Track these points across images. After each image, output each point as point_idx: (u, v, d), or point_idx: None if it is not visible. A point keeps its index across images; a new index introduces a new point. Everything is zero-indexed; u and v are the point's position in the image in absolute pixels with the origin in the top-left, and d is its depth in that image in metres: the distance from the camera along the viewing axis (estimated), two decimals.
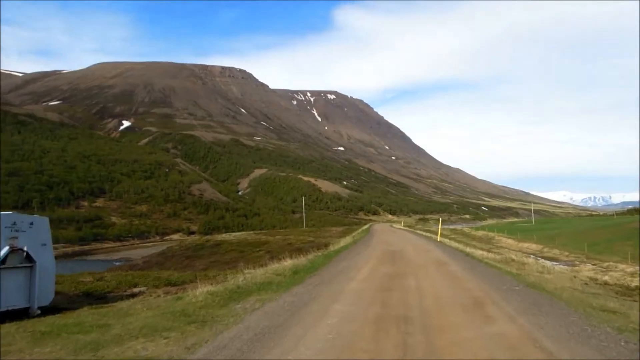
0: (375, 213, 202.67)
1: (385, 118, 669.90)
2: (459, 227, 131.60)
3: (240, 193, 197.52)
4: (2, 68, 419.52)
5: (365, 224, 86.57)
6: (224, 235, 58.98)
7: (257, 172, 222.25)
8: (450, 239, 42.71)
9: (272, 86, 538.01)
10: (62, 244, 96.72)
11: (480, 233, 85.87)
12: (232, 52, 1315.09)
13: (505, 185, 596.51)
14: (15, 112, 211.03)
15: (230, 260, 31.60)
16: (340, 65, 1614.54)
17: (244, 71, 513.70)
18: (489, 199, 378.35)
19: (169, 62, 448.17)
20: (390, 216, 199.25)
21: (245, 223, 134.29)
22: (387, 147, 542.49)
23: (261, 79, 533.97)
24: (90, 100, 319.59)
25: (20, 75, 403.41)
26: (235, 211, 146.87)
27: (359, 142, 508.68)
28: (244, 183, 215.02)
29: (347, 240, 32.93)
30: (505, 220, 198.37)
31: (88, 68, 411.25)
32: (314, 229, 64.12)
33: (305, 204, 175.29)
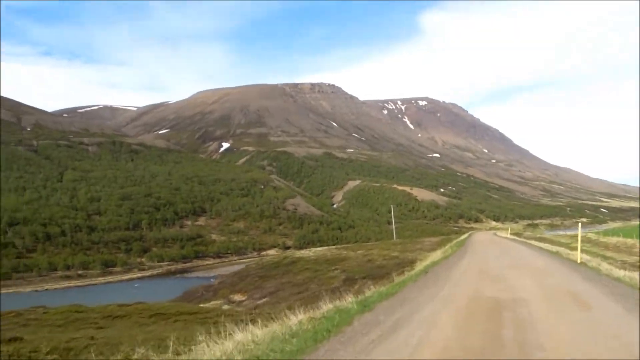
0: (477, 220, 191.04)
1: (482, 120, 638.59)
2: (575, 232, 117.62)
3: (334, 206, 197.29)
4: (120, 104, 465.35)
5: (465, 233, 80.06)
6: (303, 251, 57.31)
7: (351, 184, 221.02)
8: (592, 254, 21.73)
9: (361, 98, 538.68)
10: (166, 262, 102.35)
11: (614, 240, 73.62)
12: (321, 68, 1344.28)
13: (626, 184, 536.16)
14: (129, 142, 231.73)
15: (302, 281, 29.47)
16: (430, 70, 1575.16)
17: (333, 85, 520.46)
18: (608, 200, 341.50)
19: (263, 84, 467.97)
20: (494, 223, 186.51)
21: (340, 236, 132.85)
22: (485, 150, 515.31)
23: (350, 92, 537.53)
24: (193, 126, 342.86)
25: (135, 109, 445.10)
26: (329, 224, 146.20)
27: (454, 147, 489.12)
28: (338, 196, 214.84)
29: (434, 257, 26.96)
30: (633, 223, 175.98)
31: (191, 97, 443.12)
32: (405, 241, 59.96)
33: (400, 214, 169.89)
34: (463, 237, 52.03)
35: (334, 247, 58.13)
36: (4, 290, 76.90)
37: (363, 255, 39.74)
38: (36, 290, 77.46)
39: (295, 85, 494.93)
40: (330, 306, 10.34)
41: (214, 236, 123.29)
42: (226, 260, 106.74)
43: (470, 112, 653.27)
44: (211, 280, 61.54)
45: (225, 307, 23.77)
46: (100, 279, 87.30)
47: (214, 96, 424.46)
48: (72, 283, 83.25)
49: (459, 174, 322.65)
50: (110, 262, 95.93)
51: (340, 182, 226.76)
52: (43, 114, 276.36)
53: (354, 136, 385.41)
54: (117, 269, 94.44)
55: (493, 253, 24.86)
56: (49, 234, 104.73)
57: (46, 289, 78.70)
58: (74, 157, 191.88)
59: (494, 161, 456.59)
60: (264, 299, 22.98)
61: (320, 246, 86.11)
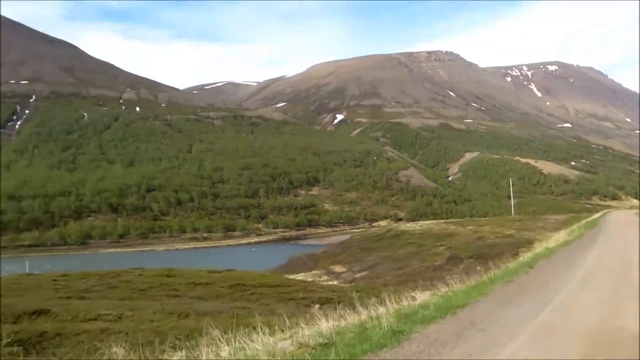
0: (614, 197, 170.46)
1: (625, 85, 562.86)
2: None
3: (450, 179, 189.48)
4: (242, 80, 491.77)
5: (598, 211, 70.05)
6: (408, 225, 55.00)
7: (468, 156, 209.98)
8: None
9: (482, 65, 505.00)
10: (281, 229, 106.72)
11: None
12: (438, 35, 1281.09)
13: None
14: (249, 116, 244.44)
15: (403, 256, 27.87)
16: (560, 30, 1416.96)
17: (451, 53, 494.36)
18: None
19: (377, 55, 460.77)
20: (635, 201, 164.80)
21: (455, 210, 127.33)
22: (628, 120, 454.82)
23: (470, 59, 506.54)
24: (308, 99, 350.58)
25: (255, 84, 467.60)
26: (443, 197, 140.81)
27: (590, 116, 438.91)
28: (453, 168, 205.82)
29: (556, 239, 21.35)
30: None
31: (306, 70, 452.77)
32: (525, 218, 54.48)
33: (523, 188, 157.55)
34: (595, 216, 44.13)
35: (442, 221, 54.90)
36: (142, 248, 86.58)
37: (473, 232, 36.49)
38: (168, 250, 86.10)
39: (411, 54, 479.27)
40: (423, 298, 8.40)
41: (326, 205, 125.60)
42: (338, 229, 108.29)
43: (610, 76, 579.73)
44: (322, 248, 62.57)
45: (324, 278, 23.33)
46: (222, 242, 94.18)
47: (329, 69, 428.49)
48: (198, 244, 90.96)
49: (594, 145, 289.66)
50: (231, 226, 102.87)
51: (456, 154, 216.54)
52: (176, 91, 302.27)
53: (472, 106, 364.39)
54: (237, 233, 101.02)
55: (636, 240, 17.74)
56: (179, 199, 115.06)
57: (176, 249, 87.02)
58: (202, 130, 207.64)
59: (638, 132, 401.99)
60: (363, 273, 22.09)
61: (434, 219, 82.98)
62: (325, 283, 20.98)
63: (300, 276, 24.86)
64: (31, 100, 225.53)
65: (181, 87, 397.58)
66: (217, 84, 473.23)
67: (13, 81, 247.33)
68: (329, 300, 10.82)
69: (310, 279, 22.96)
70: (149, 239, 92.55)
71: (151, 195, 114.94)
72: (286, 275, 26.49)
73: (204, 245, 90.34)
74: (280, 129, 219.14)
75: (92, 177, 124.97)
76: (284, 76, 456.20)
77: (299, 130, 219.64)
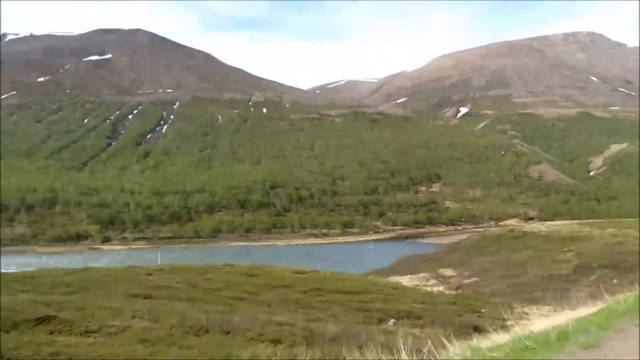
0: None
1: None
2: None
3: (591, 174, 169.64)
4: (362, 77, 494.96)
5: None
6: (533, 225, 49.37)
7: (614, 148, 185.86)
8: None
9: (631, 44, 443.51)
10: (399, 227, 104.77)
11: None
12: (576, 14, 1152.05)
13: None
14: (369, 112, 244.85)
15: (521, 261, 24.45)
16: None
17: (593, 33, 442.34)
18: None
19: (503, 42, 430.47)
20: None
21: (597, 209, 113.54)
22: None
23: (616, 39, 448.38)
24: (430, 92, 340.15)
25: (376, 80, 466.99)
26: (582, 195, 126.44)
27: None
28: (596, 162, 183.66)
29: None
30: None
31: (427, 64, 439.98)
32: None
33: None
34: None
35: (577, 222, 48.25)
36: (265, 242, 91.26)
37: (612, 236, 31.04)
38: (288, 245, 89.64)
39: (544, 38, 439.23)
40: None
41: (447, 203, 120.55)
42: (459, 228, 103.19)
43: None
44: (436, 248, 59.93)
45: (430, 282, 21.72)
46: (339, 238, 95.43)
47: (451, 60, 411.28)
48: (317, 241, 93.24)
49: None
50: (349, 223, 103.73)
51: (600, 146, 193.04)
52: (299, 91, 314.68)
53: (620, 91, 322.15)
54: (355, 230, 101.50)
55: None
56: (300, 196, 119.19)
57: (296, 244, 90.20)
58: (323, 129, 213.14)
59: None
60: (473, 279, 20.05)
61: (571, 219, 74.74)
62: (428, 288, 19.57)
63: (405, 279, 23.61)
64: (175, 107, 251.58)
65: (305, 87, 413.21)
66: (338, 83, 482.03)
67: (161, 90, 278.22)
68: (410, 314, 9.62)
69: (414, 283, 21.64)
70: (272, 234, 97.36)
71: (274, 192, 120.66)
72: (390, 278, 25.41)
73: (322, 242, 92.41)
74: (401, 125, 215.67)
75: (223, 174, 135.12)
76: (405, 71, 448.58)
77: (420, 125, 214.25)
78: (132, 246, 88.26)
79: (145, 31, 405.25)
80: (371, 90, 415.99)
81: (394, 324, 8.75)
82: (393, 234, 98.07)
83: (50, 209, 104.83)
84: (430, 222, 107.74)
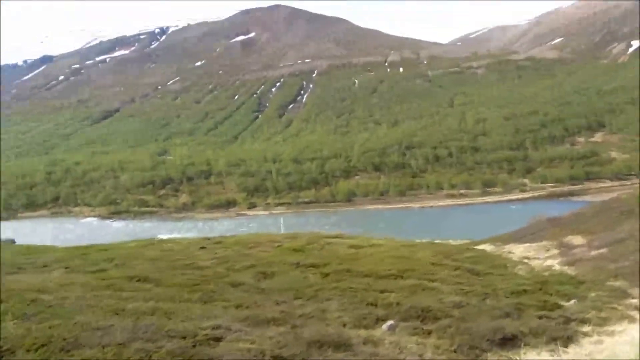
0: None
1: None
2: None
3: None
4: (510, 22, 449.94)
5: None
6: None
7: None
8: None
9: None
10: (550, 184, 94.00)
11: None
12: None
13: None
14: (515, 59, 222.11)
15: None
16: None
17: None
18: None
19: None
20: None
21: None
22: None
23: None
24: (591, 28, 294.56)
25: (525, 23, 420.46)
26: None
27: None
28: None
29: None
30: None
31: None
32: None
33: None
34: None
35: None
36: (399, 205, 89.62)
37: None
38: (423, 207, 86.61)
39: None
40: None
41: (613, 154, 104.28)
42: (627, 183, 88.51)
43: None
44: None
45: (548, 253, 18.06)
46: (479, 199, 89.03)
47: None
48: (454, 202, 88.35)
49: None
50: (490, 182, 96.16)
51: None
52: (437, 46, 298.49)
53: None
54: (497, 189, 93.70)
55: None
56: (437, 155, 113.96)
57: (431, 206, 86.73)
58: (463, 82, 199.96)
59: None
60: (601, 250, 16.08)
61: None
62: (539, 262, 16.33)
63: (520, 248, 20.27)
64: (313, 75, 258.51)
65: (444, 41, 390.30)
66: (482, 31, 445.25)
67: (300, 61, 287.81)
68: (427, 310, 7.32)
69: (528, 253, 18.36)
70: (407, 196, 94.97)
71: (410, 152, 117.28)
72: (508, 246, 22.12)
73: (460, 203, 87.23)
74: (553, 70, 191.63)
75: (359, 139, 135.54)
76: (559, 8, 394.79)
77: (577, 67, 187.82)
78: (274, 211, 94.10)
79: (284, 6, 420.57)
80: (519, 34, 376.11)
81: (390, 327, 6.82)
82: (542, 192, 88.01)
83: (206, 179, 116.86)
84: (590, 177, 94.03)
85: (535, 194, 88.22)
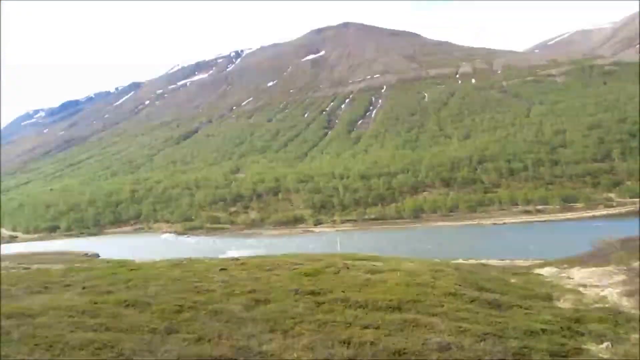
0: None
1: None
2: None
3: None
4: (593, 25, 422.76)
5: None
6: None
7: None
8: None
9: None
10: None
11: None
12: None
13: None
14: (600, 64, 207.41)
15: None
16: None
17: None
18: None
19: None
20: None
21: None
22: None
23: None
24: None
25: (610, 25, 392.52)
26: None
27: None
28: None
29: None
30: None
31: None
32: None
33: None
34: None
35: None
36: (469, 222, 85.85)
37: None
38: (495, 224, 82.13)
39: None
40: None
41: None
42: None
43: None
44: None
45: (608, 280, 16.11)
46: (559, 215, 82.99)
47: None
48: (530, 218, 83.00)
49: None
50: (571, 197, 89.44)
51: None
52: (512, 54, 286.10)
53: None
54: (579, 205, 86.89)
55: None
56: (512, 169, 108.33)
57: (504, 223, 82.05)
58: (541, 91, 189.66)
59: None
60: None
61: None
62: (590, 290, 14.61)
63: (582, 272, 18.34)
64: (382, 90, 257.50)
65: (520, 49, 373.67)
66: (562, 36, 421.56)
67: (369, 77, 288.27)
68: (400, 353, 6.33)
69: (588, 280, 16.54)
70: (477, 213, 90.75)
71: (482, 167, 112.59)
72: (572, 269, 20.14)
73: (536, 219, 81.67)
74: None
75: (428, 153, 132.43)
76: None
77: None
78: (339, 228, 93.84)
79: (353, 23, 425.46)
80: (603, 38, 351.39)
81: None
82: (632, 207, 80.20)
83: (275, 196, 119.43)
84: None
85: (623, 209, 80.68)
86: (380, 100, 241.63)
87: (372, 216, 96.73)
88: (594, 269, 19.45)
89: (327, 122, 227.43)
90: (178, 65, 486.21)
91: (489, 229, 77.67)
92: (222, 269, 16.97)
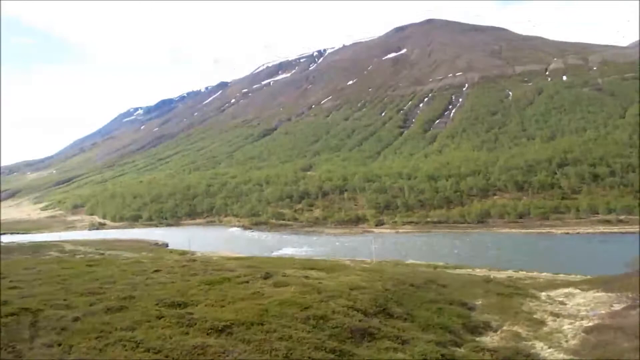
0: None
1: None
2: None
3: None
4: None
5: None
6: None
7: None
8: None
9: None
10: None
11: None
12: None
13: None
14: None
15: None
16: None
17: None
18: None
19: None
20: None
21: None
22: None
23: None
24: None
25: None
26: None
27: None
28: None
29: None
30: None
31: None
32: None
33: None
34: None
35: None
36: (539, 230, 79.84)
37: None
38: (567, 233, 75.47)
39: None
40: None
41: None
42: None
43: None
44: None
45: (603, 312, 13.93)
46: None
47: None
48: (609, 228, 75.21)
49: None
50: None
51: None
52: (612, 49, 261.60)
53: None
54: None
55: None
56: (596, 174, 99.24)
57: (577, 233, 75.14)
58: None
59: None
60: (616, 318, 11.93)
61: None
62: (556, 323, 12.69)
63: (589, 297, 16.02)
64: (464, 89, 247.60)
65: (625, 44, 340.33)
66: None
67: (450, 75, 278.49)
68: None
69: (579, 308, 14.51)
70: (550, 220, 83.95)
71: (563, 170, 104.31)
72: (589, 292, 17.79)
73: (616, 230, 73.81)
74: None
75: (504, 155, 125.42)
76: None
77: None
78: (400, 230, 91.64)
79: (437, 20, 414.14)
80: None
81: None
82: None
83: (341, 195, 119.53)
84: None
85: None
86: (460, 99, 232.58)
87: (435, 219, 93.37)
88: (602, 294, 17.23)
89: (404, 121, 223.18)
90: (263, 65, 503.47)
91: (558, 238, 71.59)
92: (155, 271, 17.30)
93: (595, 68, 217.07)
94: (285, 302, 12.04)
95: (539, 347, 11.47)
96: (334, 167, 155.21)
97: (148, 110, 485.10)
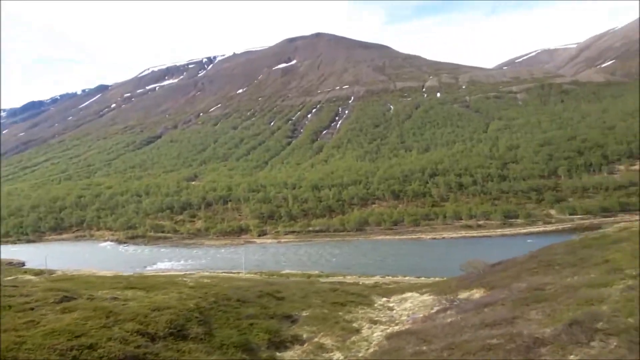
0: None
1: None
2: None
3: None
4: (559, 44, 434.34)
5: None
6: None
7: None
8: None
9: None
10: (579, 215, 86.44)
11: None
12: None
13: None
14: (559, 83, 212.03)
15: (570, 284, 13.22)
16: None
17: None
18: None
19: None
20: None
21: None
22: None
23: None
24: None
25: (574, 46, 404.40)
26: None
27: None
28: None
29: None
30: None
31: None
32: None
33: None
34: None
35: None
36: (411, 236, 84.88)
37: None
38: (434, 238, 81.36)
39: None
40: None
41: None
42: None
43: None
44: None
45: (418, 313, 14.34)
46: (497, 230, 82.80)
47: None
48: (469, 233, 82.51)
49: None
50: (512, 212, 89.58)
51: None
52: (478, 70, 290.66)
53: None
54: (519, 221, 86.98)
55: None
56: (461, 183, 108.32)
57: (443, 237, 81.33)
58: (501, 107, 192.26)
59: None
60: (487, 308, 12.49)
61: None
62: (367, 330, 12.91)
63: (418, 301, 16.76)
64: (350, 101, 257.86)
65: (490, 66, 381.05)
66: (529, 55, 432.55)
67: (338, 87, 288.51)
68: None
69: (403, 312, 14.91)
70: (421, 227, 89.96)
71: (434, 180, 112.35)
72: (405, 294, 18.55)
73: (475, 235, 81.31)
74: (600, 93, 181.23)
75: (383, 165, 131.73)
76: (613, 29, 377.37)
77: (627, 90, 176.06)
78: (282, 239, 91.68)
79: (326, 34, 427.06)
80: (569, 57, 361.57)
81: None
82: (569, 225, 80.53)
83: (224, 205, 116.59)
84: (624, 208, 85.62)
85: (560, 226, 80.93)
86: (346, 111, 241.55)
87: (317, 228, 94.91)
88: (431, 297, 17.91)
89: (292, 131, 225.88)
90: (149, 69, 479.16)
91: (426, 244, 76.75)
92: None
93: (464, 87, 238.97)
94: (55, 332, 10.58)
95: (336, 357, 11.35)
96: (219, 177, 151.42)
97: (13, 112, 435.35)
